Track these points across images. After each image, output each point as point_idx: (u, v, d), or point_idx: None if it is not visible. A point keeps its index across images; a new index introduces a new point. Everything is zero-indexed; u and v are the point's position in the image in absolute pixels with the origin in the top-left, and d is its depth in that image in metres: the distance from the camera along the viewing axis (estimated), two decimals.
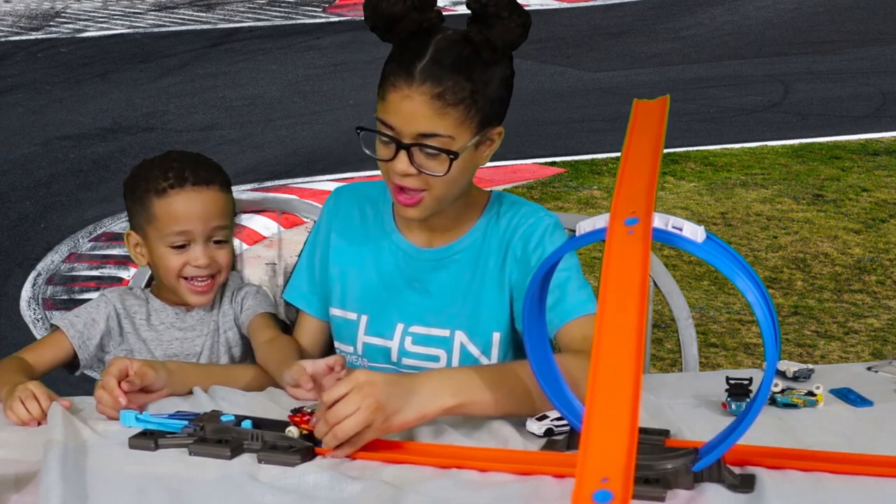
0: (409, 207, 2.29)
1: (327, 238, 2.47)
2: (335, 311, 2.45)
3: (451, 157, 2.22)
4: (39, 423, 2.12)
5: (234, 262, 2.54)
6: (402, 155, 2.23)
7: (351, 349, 2.43)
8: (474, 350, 2.37)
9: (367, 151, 2.30)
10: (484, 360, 2.37)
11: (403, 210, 2.30)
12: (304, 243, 2.53)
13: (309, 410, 2.02)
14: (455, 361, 2.37)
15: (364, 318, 2.42)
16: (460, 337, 2.37)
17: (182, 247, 2.44)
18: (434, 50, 2.22)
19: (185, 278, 2.45)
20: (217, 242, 2.46)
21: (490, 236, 2.37)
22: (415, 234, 2.41)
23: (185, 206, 2.43)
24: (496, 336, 2.37)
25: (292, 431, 1.99)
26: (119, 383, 2.15)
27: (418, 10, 2.22)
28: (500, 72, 2.27)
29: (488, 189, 2.45)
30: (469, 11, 2.24)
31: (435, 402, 2.01)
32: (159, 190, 2.44)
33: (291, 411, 2.03)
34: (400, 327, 2.40)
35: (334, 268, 2.46)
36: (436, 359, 2.38)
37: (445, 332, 2.38)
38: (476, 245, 2.39)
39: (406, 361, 2.39)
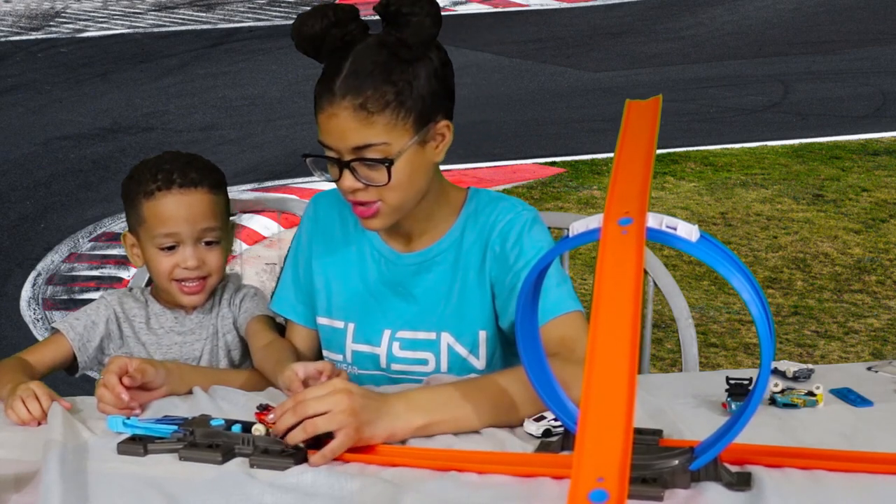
0: (367, 219, 2.28)
1: (309, 247, 2.47)
2: (322, 320, 2.45)
3: (387, 164, 2.22)
4: (40, 423, 2.12)
5: (234, 262, 2.54)
6: (346, 173, 2.23)
7: (340, 357, 2.43)
8: (462, 350, 2.37)
9: (316, 175, 2.30)
10: (472, 360, 2.37)
11: (363, 222, 2.29)
12: (287, 252, 2.53)
13: (273, 407, 2.02)
14: (443, 363, 2.37)
15: (351, 326, 2.42)
16: (447, 338, 2.37)
17: (171, 248, 2.43)
18: (351, 61, 2.21)
19: (176, 280, 2.44)
20: (208, 244, 2.45)
21: (469, 235, 2.37)
22: (394, 240, 2.40)
23: (172, 209, 2.42)
24: (482, 335, 2.37)
25: (259, 429, 1.98)
26: (120, 380, 2.15)
27: (338, 26, 2.22)
28: (425, 67, 2.24)
29: (466, 188, 2.43)
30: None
31: (405, 422, 2.01)
32: (147, 192, 2.43)
33: (258, 408, 2.02)
34: (387, 333, 2.39)
35: (318, 277, 2.45)
36: (424, 362, 2.37)
37: (432, 335, 2.37)
38: (456, 245, 2.38)
39: (395, 367, 2.39)
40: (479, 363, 2.37)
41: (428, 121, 2.25)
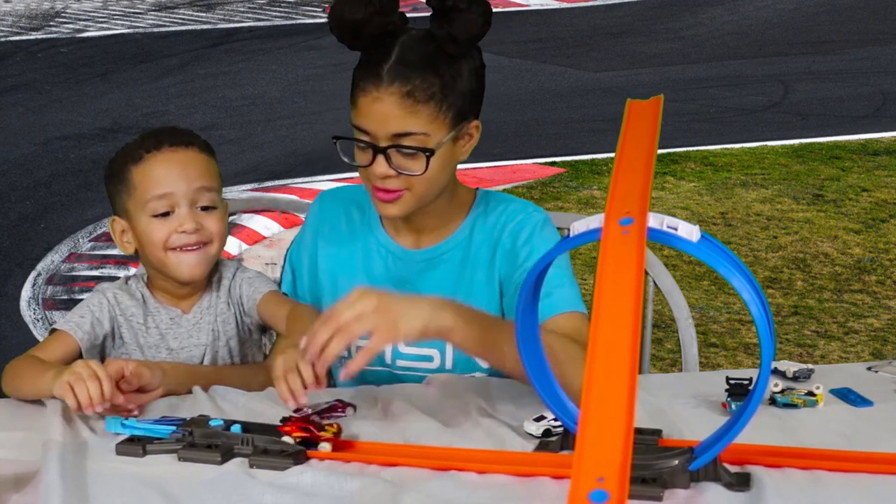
0: (387, 204, 2.28)
1: (315, 245, 2.47)
2: None
3: (428, 154, 2.23)
4: (94, 410, 2.06)
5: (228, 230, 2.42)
6: (380, 158, 2.24)
7: (345, 353, 2.42)
8: None
9: (346, 160, 2.31)
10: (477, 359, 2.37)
11: (383, 207, 2.29)
12: (288, 251, 2.52)
13: (298, 417, 2.01)
14: (448, 360, 2.37)
15: None
16: None
17: (166, 215, 2.31)
18: (399, 50, 2.23)
19: (173, 249, 2.32)
20: (205, 209, 2.33)
21: (478, 234, 2.37)
22: (403, 236, 2.41)
23: (164, 168, 2.31)
24: None
25: (287, 440, 1.98)
26: (117, 384, 2.14)
27: (381, 14, 2.23)
28: (468, 65, 2.27)
29: (475, 188, 2.44)
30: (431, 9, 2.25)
31: (438, 318, 2.03)
32: (136, 158, 2.33)
33: (281, 421, 2.02)
34: None
35: (324, 274, 2.45)
36: (429, 358, 2.38)
37: None
38: (464, 243, 2.38)
39: (400, 363, 2.40)
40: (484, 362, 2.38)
41: (463, 118, 2.28)
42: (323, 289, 2.45)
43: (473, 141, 2.32)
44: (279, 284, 2.50)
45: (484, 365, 2.38)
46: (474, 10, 2.22)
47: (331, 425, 2.01)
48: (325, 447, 1.97)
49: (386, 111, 2.22)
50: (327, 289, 2.45)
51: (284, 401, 2.05)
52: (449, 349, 2.38)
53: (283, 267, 2.53)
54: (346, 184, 2.42)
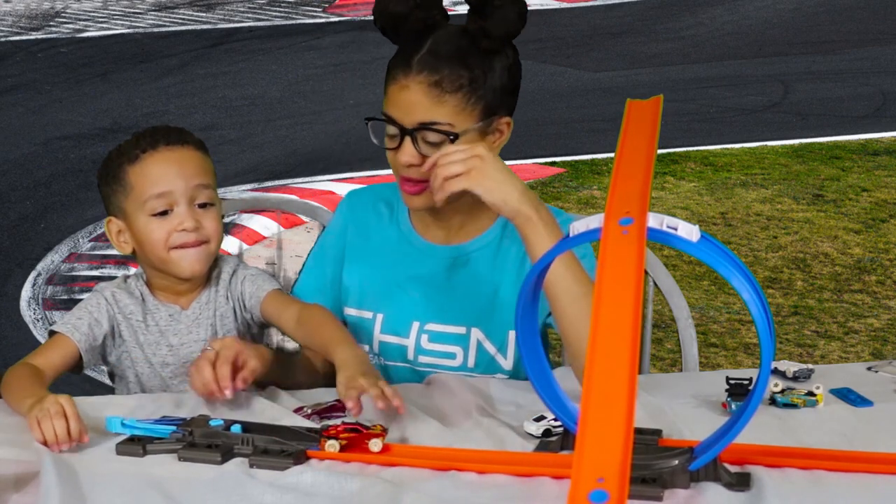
0: (413, 196, 2.31)
1: (342, 240, 2.48)
2: (350, 311, 2.45)
3: (452, 138, 2.25)
4: (61, 449, 2.00)
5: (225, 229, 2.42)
6: (407, 143, 2.27)
7: (367, 348, 2.42)
8: (490, 348, 2.38)
9: (376, 141, 2.34)
10: (500, 359, 2.38)
11: (409, 199, 2.33)
12: (313, 248, 2.53)
13: (337, 424, 2.01)
14: (471, 359, 2.38)
15: (380, 317, 2.42)
16: (477, 334, 2.38)
17: (165, 214, 2.32)
18: (432, 42, 2.27)
19: (174, 248, 2.32)
20: (202, 207, 2.34)
21: (509, 235, 2.38)
22: (431, 233, 2.42)
23: (162, 166, 2.32)
24: (512, 334, 2.38)
25: (333, 445, 1.97)
26: (233, 375, 2.13)
27: (422, 9, 2.28)
28: (501, 61, 2.30)
29: None
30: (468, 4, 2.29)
31: (524, 199, 2.14)
32: (132, 157, 2.33)
33: (322, 428, 2.01)
34: (416, 325, 2.40)
35: (350, 269, 2.46)
36: (452, 356, 2.39)
37: (462, 330, 2.39)
38: (494, 243, 2.40)
39: (422, 359, 2.40)
40: (507, 363, 2.39)
41: (493, 113, 2.31)
42: (348, 283, 2.46)
43: (504, 138, 2.35)
44: (295, 278, 2.51)
45: (505, 367, 2.39)
46: (510, 6, 2.26)
47: (375, 425, 2.00)
48: (333, 445, 1.96)
49: (413, 99, 2.26)
50: (353, 283, 2.45)
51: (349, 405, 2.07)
52: (472, 348, 2.38)
53: (303, 264, 2.53)
54: (370, 184, 2.43)
